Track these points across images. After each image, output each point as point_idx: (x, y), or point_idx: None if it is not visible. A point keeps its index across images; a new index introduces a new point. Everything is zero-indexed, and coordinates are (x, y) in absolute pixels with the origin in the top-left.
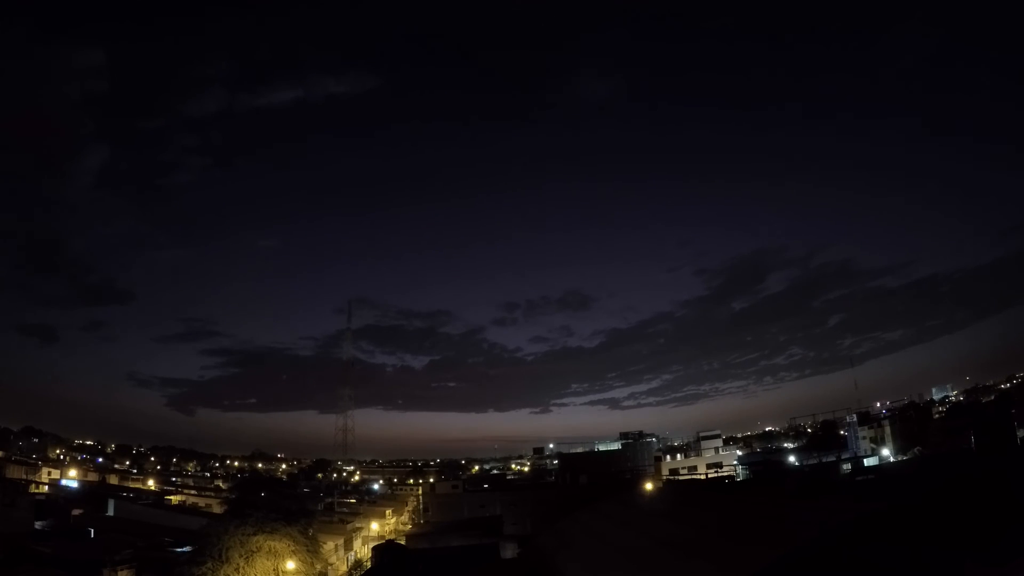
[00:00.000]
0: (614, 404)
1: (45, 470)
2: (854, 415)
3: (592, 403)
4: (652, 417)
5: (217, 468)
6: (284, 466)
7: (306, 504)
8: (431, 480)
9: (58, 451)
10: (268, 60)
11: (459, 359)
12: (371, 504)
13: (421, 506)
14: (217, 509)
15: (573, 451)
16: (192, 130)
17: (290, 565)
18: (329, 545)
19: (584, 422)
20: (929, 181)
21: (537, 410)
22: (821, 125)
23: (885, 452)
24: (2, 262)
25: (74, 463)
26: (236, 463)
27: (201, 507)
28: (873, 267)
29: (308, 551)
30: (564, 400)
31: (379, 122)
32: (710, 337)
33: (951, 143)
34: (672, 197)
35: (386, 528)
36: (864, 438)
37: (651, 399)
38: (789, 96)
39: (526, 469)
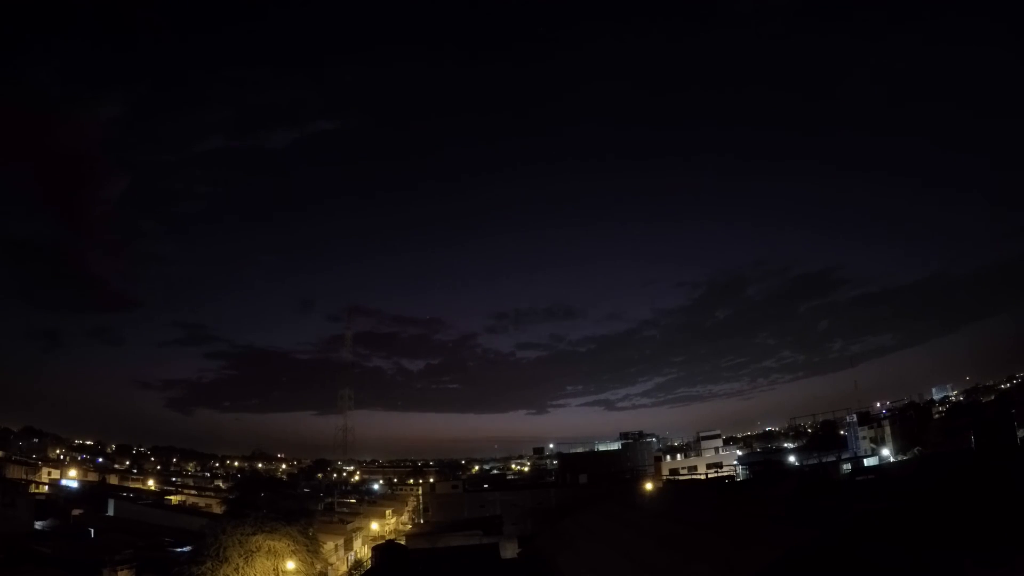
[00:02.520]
0: (610, 405)
1: (45, 470)
2: (854, 415)
3: (588, 404)
4: (649, 418)
5: (217, 468)
6: (284, 466)
7: (306, 504)
8: (431, 480)
9: (58, 451)
10: (265, 105)
11: (455, 363)
12: (371, 504)
13: (421, 506)
14: (217, 509)
15: (573, 451)
16: (201, 165)
17: (290, 565)
18: (329, 545)
19: (581, 423)
20: (904, 192)
21: (534, 411)
22: (792, 149)
23: (885, 452)
24: (21, 273)
25: (74, 463)
26: (236, 463)
27: (201, 507)
28: (852, 276)
29: (308, 551)
30: (560, 401)
31: (369, 154)
32: (698, 343)
33: (926, 153)
34: (649, 216)
35: (386, 528)
36: (864, 438)
37: (646, 400)
38: (757, 132)
39: (526, 469)
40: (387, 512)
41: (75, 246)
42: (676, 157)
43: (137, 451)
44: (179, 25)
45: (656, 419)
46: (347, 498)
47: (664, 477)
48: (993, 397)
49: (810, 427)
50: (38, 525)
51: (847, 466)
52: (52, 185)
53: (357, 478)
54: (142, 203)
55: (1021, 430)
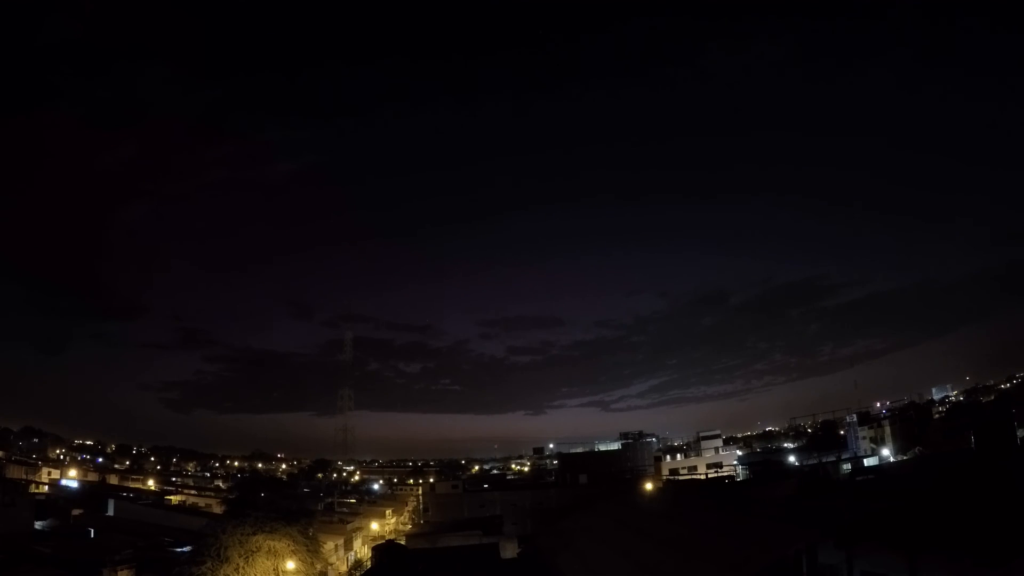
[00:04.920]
0: (606, 406)
1: (45, 470)
2: (854, 415)
3: (585, 405)
4: (645, 418)
5: (217, 468)
6: (284, 466)
7: (306, 504)
8: (431, 480)
9: (58, 451)
10: (265, 142)
11: (451, 366)
12: (371, 504)
13: (421, 506)
14: (217, 509)
15: (573, 451)
16: (208, 192)
17: (290, 565)
18: (329, 545)
19: (579, 423)
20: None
21: (532, 412)
22: (773, 178)
23: (885, 452)
24: (33, 280)
25: (74, 463)
26: (236, 463)
27: (201, 507)
28: (837, 284)
29: (308, 551)
30: (557, 403)
31: (362, 179)
32: (691, 347)
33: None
34: (631, 234)
35: (386, 528)
36: (864, 438)
37: (642, 402)
38: (734, 166)
39: (526, 469)
40: (387, 512)
41: (91, 259)
42: (656, 191)
43: (137, 451)
44: (190, 75)
45: (653, 420)
46: (347, 498)
47: (664, 477)
48: (993, 397)
49: (810, 427)
50: (38, 525)
51: (847, 466)
52: (77, 206)
53: (357, 478)
54: (155, 223)
55: (1021, 430)
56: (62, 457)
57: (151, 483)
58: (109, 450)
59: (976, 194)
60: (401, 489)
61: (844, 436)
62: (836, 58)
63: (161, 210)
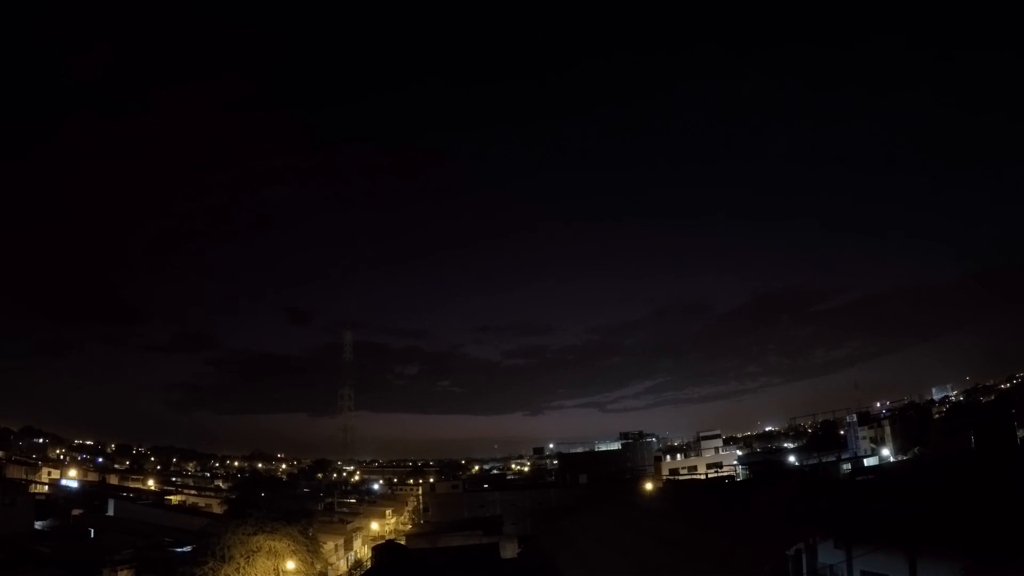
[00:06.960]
0: (603, 407)
1: (45, 470)
2: (854, 415)
3: (582, 406)
4: (643, 418)
5: (217, 468)
6: (284, 466)
7: (306, 504)
8: (431, 480)
9: (58, 451)
10: (264, 169)
11: (447, 369)
12: (371, 504)
13: (421, 506)
14: (217, 509)
15: (573, 451)
16: (211, 212)
17: (290, 565)
18: (329, 545)
19: (577, 424)
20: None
21: (530, 413)
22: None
23: (885, 452)
24: (41, 286)
25: (74, 463)
26: (236, 463)
27: (201, 507)
28: (826, 289)
29: (308, 551)
30: (555, 403)
31: (359, 198)
32: (680, 352)
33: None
34: (619, 241)
35: (386, 528)
36: (864, 438)
37: (638, 403)
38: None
39: (526, 469)
40: (387, 512)
41: (97, 267)
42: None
43: (137, 451)
44: (198, 105)
45: (650, 420)
46: (347, 498)
47: (664, 477)
48: (993, 397)
49: (810, 427)
50: (38, 525)
51: (847, 466)
52: (89, 221)
53: (357, 478)
54: (162, 239)
55: (1021, 430)
56: (62, 457)
57: (151, 483)
58: (109, 450)
59: (960, 205)
60: (401, 489)
61: (844, 436)
62: (817, 81)
63: (168, 226)
